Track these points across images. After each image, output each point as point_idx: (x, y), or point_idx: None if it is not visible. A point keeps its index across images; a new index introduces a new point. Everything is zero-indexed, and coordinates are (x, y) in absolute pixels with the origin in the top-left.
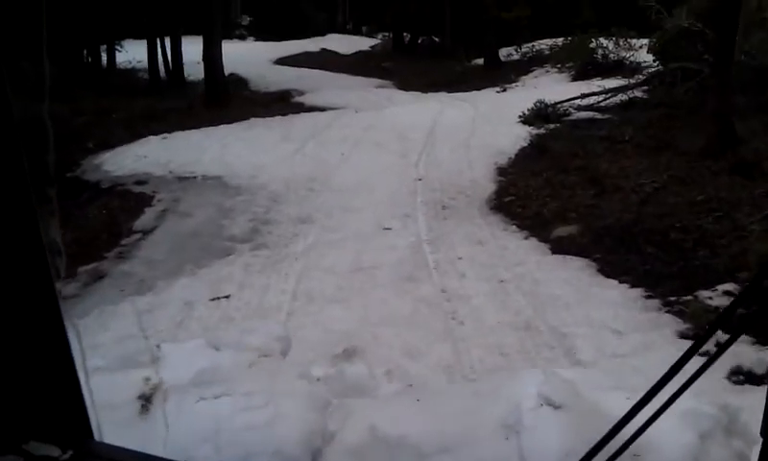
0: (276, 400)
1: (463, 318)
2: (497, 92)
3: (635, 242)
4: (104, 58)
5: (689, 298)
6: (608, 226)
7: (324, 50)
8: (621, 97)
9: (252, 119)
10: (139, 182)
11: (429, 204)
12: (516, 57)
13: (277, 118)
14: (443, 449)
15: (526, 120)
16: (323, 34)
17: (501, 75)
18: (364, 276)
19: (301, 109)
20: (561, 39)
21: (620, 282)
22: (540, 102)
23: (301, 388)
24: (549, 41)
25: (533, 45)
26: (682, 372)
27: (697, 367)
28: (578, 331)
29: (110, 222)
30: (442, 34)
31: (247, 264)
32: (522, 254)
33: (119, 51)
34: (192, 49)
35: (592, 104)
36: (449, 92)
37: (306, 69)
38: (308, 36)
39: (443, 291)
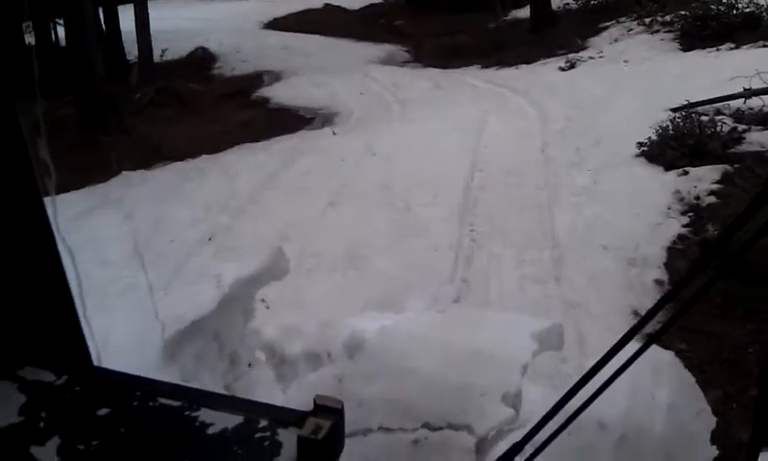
0: None
1: None
2: (562, 70)
3: None
4: None
5: None
6: None
7: (327, 6)
8: None
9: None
10: None
11: None
12: (573, 5)
13: (172, 170)
14: None
15: (652, 152)
16: None
17: (557, 36)
18: None
19: (262, 110)
20: None
21: None
22: (677, 111)
23: None
24: None
25: None
26: None
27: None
28: None
29: None
30: None
31: None
32: None
33: None
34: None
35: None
36: (485, 68)
37: (300, 34)
38: None
39: None
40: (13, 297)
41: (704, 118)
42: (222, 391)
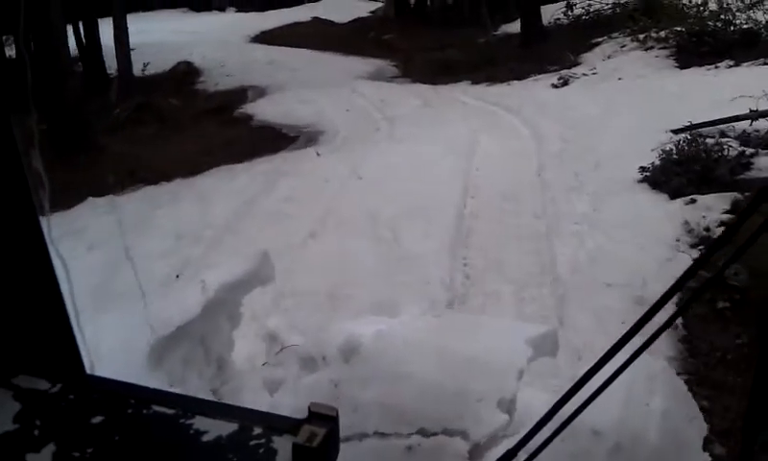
0: None
1: None
2: (555, 87)
3: None
4: None
5: None
6: None
7: (315, 19)
8: None
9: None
10: None
11: None
12: (564, 20)
13: (143, 195)
14: None
15: (656, 178)
16: None
17: (549, 52)
18: None
19: (245, 128)
20: None
21: None
22: (678, 132)
23: None
24: None
25: (588, 4)
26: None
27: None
28: None
29: None
30: None
31: None
32: None
33: None
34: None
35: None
36: (475, 84)
37: (287, 48)
38: (303, 2)
39: None
40: (7, 306)
41: (709, 141)
42: (209, 395)
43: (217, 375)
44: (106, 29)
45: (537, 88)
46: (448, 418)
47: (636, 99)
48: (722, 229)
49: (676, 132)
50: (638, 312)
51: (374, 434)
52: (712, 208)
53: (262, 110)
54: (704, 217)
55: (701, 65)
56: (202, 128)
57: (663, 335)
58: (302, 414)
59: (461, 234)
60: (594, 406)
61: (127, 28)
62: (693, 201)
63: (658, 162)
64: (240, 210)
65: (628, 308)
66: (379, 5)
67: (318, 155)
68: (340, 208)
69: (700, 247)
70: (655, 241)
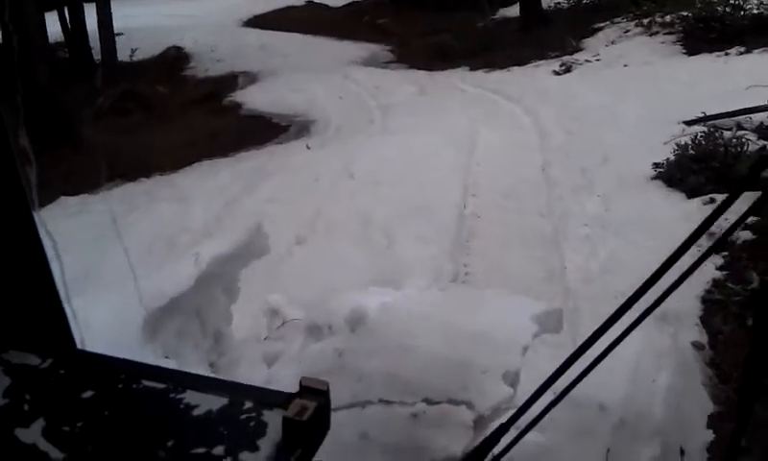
0: None
1: None
2: (556, 74)
3: None
4: None
5: None
6: None
7: (309, 3)
8: None
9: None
10: None
11: None
12: (564, 4)
13: (120, 194)
14: None
15: (670, 175)
16: None
17: (549, 37)
18: None
19: (233, 117)
20: None
21: None
22: (691, 124)
23: None
24: None
25: None
26: None
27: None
28: None
29: None
30: None
31: None
32: None
33: None
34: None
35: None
36: (473, 70)
37: (280, 33)
38: None
39: None
40: None
41: (726, 134)
42: (206, 368)
43: (214, 348)
44: (95, 13)
45: (538, 75)
46: (453, 389)
47: (644, 87)
48: (747, 232)
49: (689, 123)
50: (660, 328)
51: (379, 402)
52: (734, 209)
53: (252, 98)
54: (725, 219)
55: (710, 52)
56: (188, 117)
57: (692, 354)
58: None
59: (461, 238)
60: (601, 383)
61: (110, 11)
62: (712, 200)
63: (672, 158)
64: (221, 213)
65: (649, 326)
66: None
67: (308, 148)
68: (329, 211)
69: (723, 254)
70: (672, 245)
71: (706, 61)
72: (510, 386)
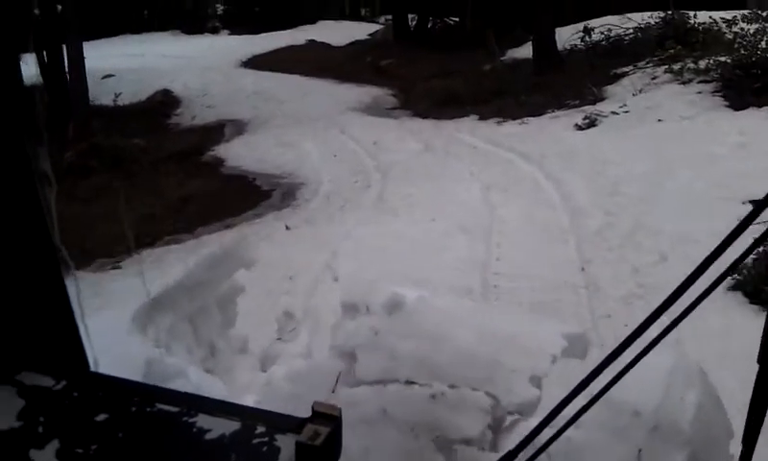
0: None
1: None
2: (579, 129)
3: None
4: None
5: None
6: None
7: (311, 42)
8: None
9: None
10: None
11: None
12: (580, 45)
13: None
14: None
15: (756, 286)
16: (313, 21)
17: (566, 83)
18: None
19: (212, 178)
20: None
21: None
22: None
23: None
24: (634, 18)
25: (608, 29)
26: None
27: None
28: None
29: None
30: (459, 11)
31: None
32: None
33: None
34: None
35: None
36: (483, 120)
37: (278, 74)
38: (299, 25)
39: None
40: (12, 302)
41: None
42: (198, 368)
43: (208, 358)
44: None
45: (558, 129)
46: (480, 381)
47: (688, 151)
48: None
49: (756, 204)
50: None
51: (405, 382)
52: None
53: (236, 153)
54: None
55: (759, 106)
56: (159, 178)
57: None
58: (343, 358)
59: None
60: (635, 390)
61: (82, 54)
62: None
63: (750, 261)
64: None
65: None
66: (378, 27)
67: (287, 228)
68: (301, 335)
69: None
70: None
71: (757, 118)
72: (537, 388)
